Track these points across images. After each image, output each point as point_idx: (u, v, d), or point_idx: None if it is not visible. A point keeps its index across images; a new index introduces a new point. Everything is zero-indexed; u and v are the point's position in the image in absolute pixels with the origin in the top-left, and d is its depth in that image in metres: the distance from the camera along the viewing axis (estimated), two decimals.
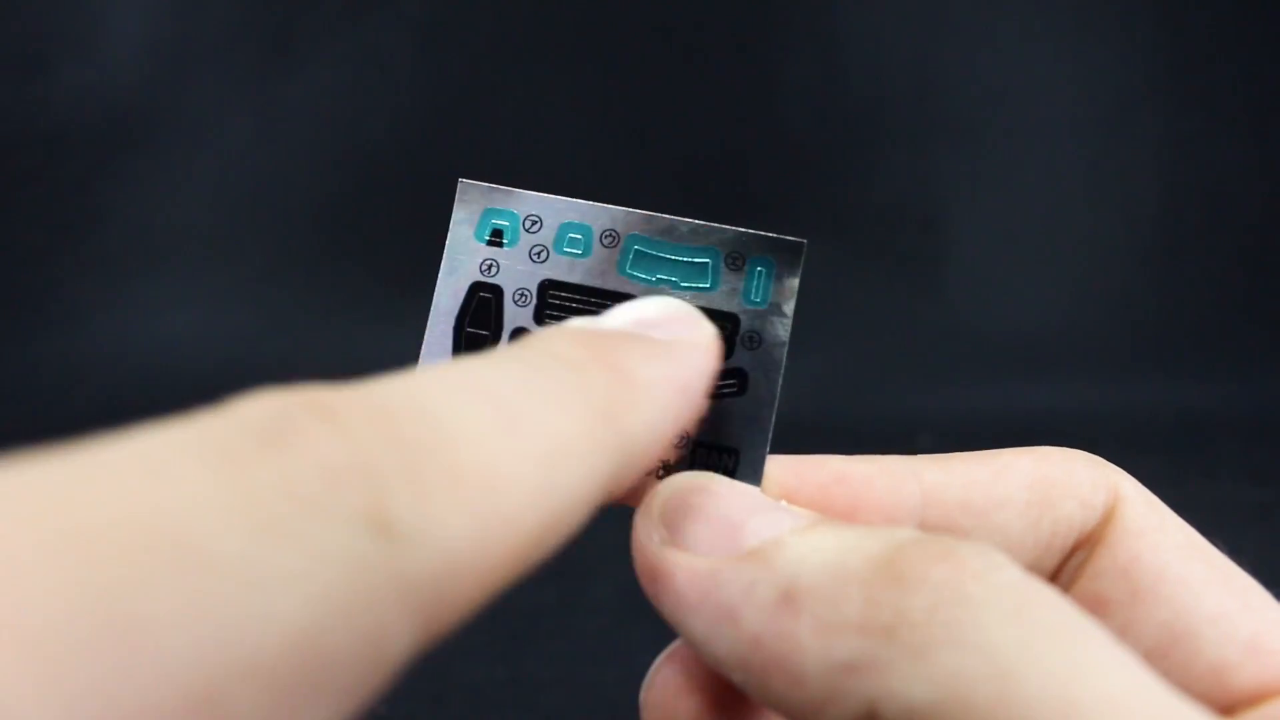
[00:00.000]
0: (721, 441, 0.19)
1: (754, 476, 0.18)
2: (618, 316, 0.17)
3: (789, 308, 0.19)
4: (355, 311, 0.77)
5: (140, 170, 0.78)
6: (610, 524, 0.17)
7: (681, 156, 0.80)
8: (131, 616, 0.09)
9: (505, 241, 0.19)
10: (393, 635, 0.11)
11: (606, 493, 0.14)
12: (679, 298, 0.19)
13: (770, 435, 0.18)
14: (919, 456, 0.19)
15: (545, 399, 0.14)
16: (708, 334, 0.17)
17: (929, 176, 0.80)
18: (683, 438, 0.19)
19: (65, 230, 0.77)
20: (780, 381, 0.19)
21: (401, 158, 0.79)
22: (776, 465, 0.19)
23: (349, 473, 0.11)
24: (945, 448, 0.19)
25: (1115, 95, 0.81)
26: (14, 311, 0.75)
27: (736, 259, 0.19)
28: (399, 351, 0.19)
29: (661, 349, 0.16)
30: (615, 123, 0.80)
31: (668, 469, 0.19)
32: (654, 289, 0.19)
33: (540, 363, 0.14)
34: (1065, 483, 0.19)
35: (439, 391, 0.13)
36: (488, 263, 0.19)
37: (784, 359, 0.19)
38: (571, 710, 0.42)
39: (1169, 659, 0.18)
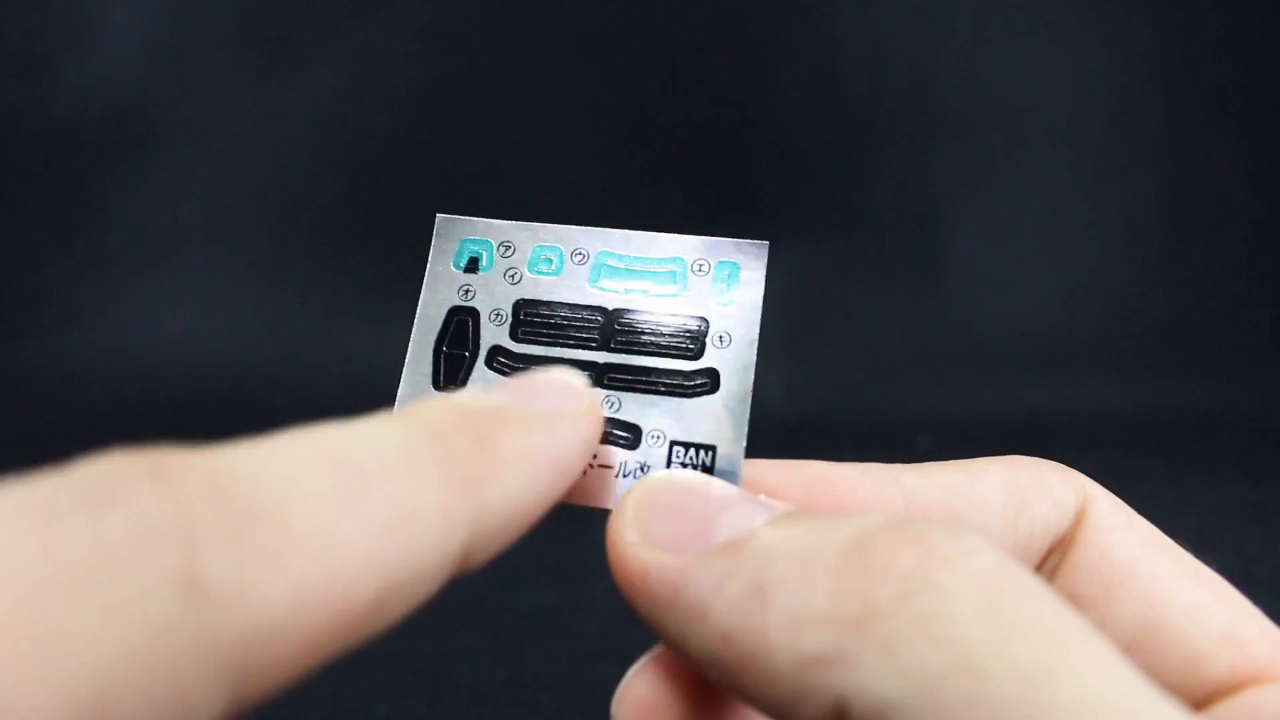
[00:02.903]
0: (697, 439, 0.19)
1: (731, 472, 0.18)
2: (502, 388, 0.17)
3: (756, 306, 0.19)
4: (355, 311, 0.77)
5: (140, 170, 0.78)
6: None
7: (681, 157, 0.80)
8: None
9: (481, 267, 0.20)
10: (198, 698, 0.11)
11: (462, 559, 0.14)
12: (651, 305, 0.20)
13: (746, 430, 0.19)
14: (895, 465, 0.19)
15: (400, 467, 0.14)
16: (587, 405, 0.17)
17: (929, 176, 0.80)
18: (659, 436, 0.19)
19: (65, 230, 0.77)
20: (752, 378, 0.19)
21: (401, 158, 0.79)
22: (760, 467, 0.19)
23: (167, 533, 0.11)
24: (945, 447, 0.19)
25: (1115, 95, 0.81)
26: (14, 311, 0.75)
27: (702, 263, 0.20)
28: (398, 351, 0.19)
29: (534, 421, 0.16)
30: (614, 123, 0.80)
31: (644, 469, 0.19)
32: (625, 299, 0.20)
33: (404, 429, 0.14)
34: (1037, 486, 0.19)
35: (286, 458, 0.13)
36: (464, 288, 0.20)
37: (754, 356, 0.19)
38: (571, 710, 0.42)
39: (1145, 652, 0.18)
